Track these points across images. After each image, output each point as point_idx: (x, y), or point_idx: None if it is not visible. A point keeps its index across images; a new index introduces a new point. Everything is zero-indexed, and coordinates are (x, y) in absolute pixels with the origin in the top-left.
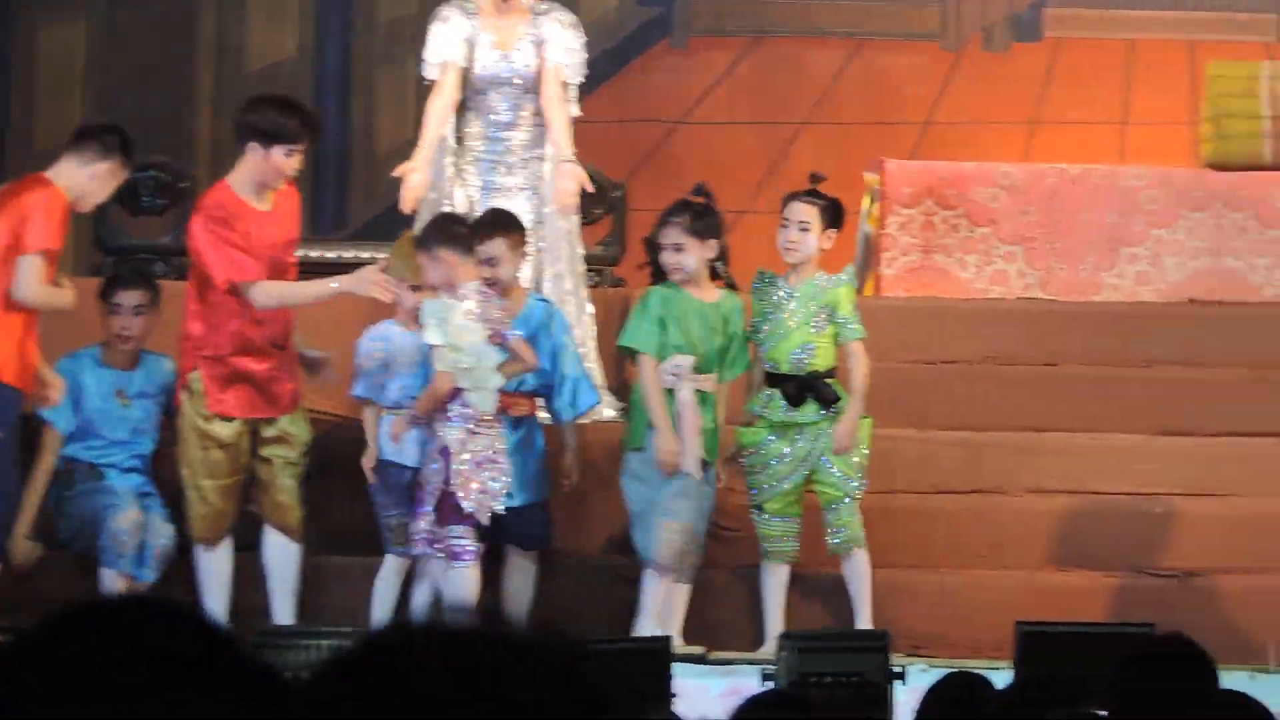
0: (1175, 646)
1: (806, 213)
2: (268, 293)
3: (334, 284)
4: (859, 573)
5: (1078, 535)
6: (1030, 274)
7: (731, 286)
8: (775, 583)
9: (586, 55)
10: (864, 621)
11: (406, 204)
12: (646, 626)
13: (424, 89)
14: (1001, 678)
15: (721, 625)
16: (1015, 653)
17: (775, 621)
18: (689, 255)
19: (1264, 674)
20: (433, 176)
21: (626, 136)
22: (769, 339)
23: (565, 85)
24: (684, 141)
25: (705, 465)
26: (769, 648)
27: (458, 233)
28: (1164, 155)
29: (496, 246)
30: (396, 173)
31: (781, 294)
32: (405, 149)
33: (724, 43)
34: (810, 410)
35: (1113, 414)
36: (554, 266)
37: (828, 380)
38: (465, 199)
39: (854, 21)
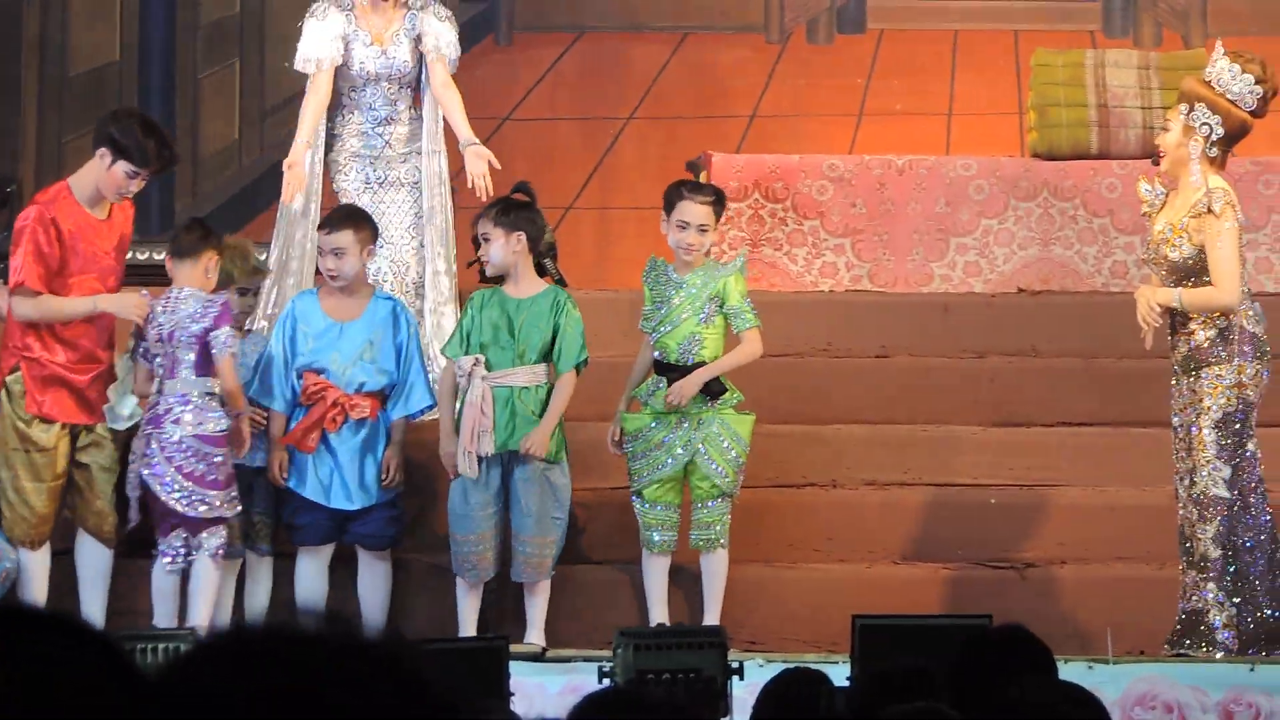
0: (1014, 638)
1: (705, 215)
2: (30, 304)
3: (97, 303)
4: (716, 571)
5: (914, 527)
6: (859, 266)
7: (560, 282)
8: (656, 574)
9: (460, 52)
10: (713, 618)
11: (287, 197)
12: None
13: (249, 90)
14: (839, 672)
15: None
16: (852, 647)
17: (659, 613)
18: (494, 246)
19: (1102, 664)
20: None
21: (452, 134)
22: (658, 328)
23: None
24: (511, 138)
25: (550, 461)
26: None
27: (176, 236)
28: (991, 145)
29: (343, 239)
30: (286, 165)
31: (671, 284)
32: (231, 151)
33: (548, 38)
34: (695, 401)
35: (946, 405)
36: (433, 264)
37: (720, 379)
38: (344, 195)
39: (677, 15)
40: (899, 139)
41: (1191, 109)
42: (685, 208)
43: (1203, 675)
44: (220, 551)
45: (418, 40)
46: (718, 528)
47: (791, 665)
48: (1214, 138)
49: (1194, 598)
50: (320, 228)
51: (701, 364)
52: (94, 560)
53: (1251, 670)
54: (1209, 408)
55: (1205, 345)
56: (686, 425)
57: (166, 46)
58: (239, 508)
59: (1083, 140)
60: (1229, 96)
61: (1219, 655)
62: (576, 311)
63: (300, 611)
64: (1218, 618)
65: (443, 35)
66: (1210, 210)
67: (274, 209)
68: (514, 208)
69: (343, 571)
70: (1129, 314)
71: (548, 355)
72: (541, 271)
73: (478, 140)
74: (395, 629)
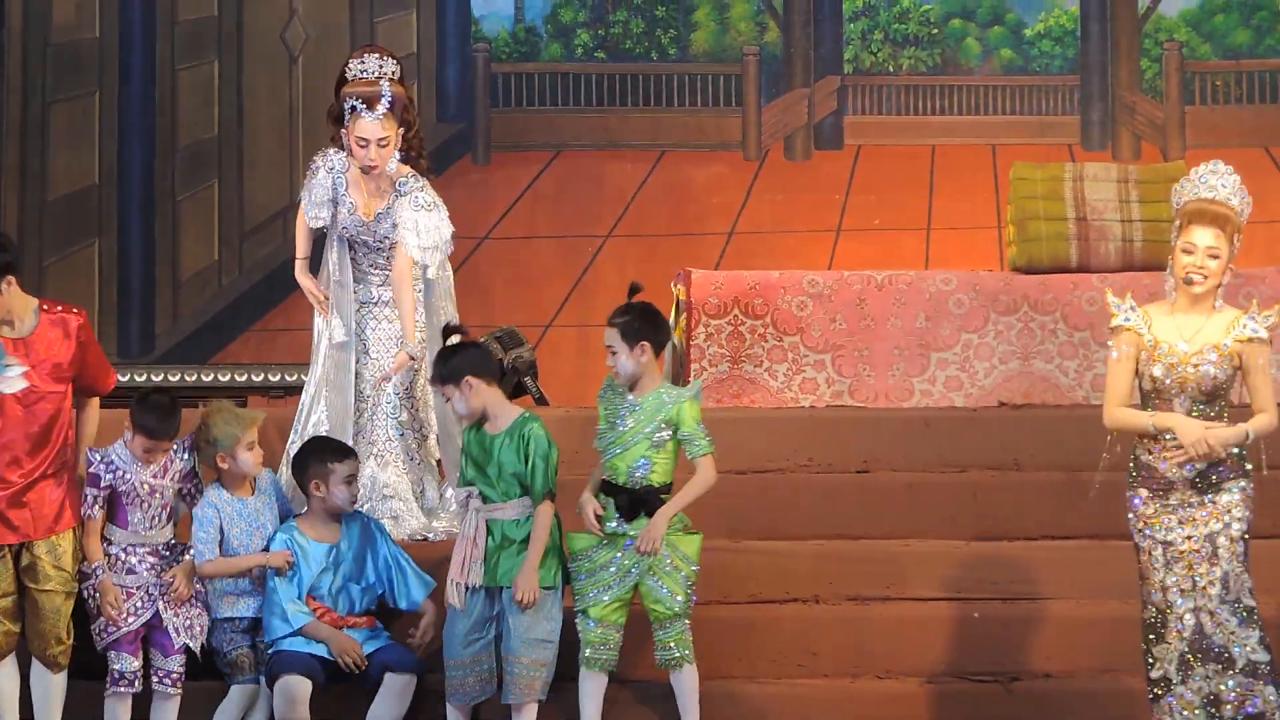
0: None
1: (610, 337)
2: None
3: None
4: (686, 686)
5: (897, 642)
6: (840, 381)
7: (541, 400)
8: (592, 689)
9: (449, 230)
10: None
11: (324, 311)
12: None
13: (227, 211)
14: None
15: None
16: None
17: None
18: (456, 399)
19: None
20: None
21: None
22: (609, 450)
23: (416, 264)
24: (489, 256)
25: (547, 588)
26: None
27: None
28: (970, 259)
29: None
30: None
31: (625, 405)
32: (210, 273)
33: (525, 157)
34: (642, 524)
35: (928, 519)
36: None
37: (663, 496)
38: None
39: (654, 133)
40: (878, 254)
41: (1238, 237)
42: (605, 332)
43: None
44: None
45: (396, 225)
46: (679, 647)
47: None
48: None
49: (1250, 702)
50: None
51: (650, 487)
52: (41, 684)
53: None
54: (1240, 518)
55: (1230, 462)
56: (630, 545)
57: (145, 168)
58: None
59: (1062, 253)
60: (1243, 218)
61: None
62: (543, 437)
63: None
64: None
65: (418, 223)
66: (1260, 337)
67: (253, 329)
68: (451, 353)
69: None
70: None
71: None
72: (521, 390)
73: (419, 345)
74: None
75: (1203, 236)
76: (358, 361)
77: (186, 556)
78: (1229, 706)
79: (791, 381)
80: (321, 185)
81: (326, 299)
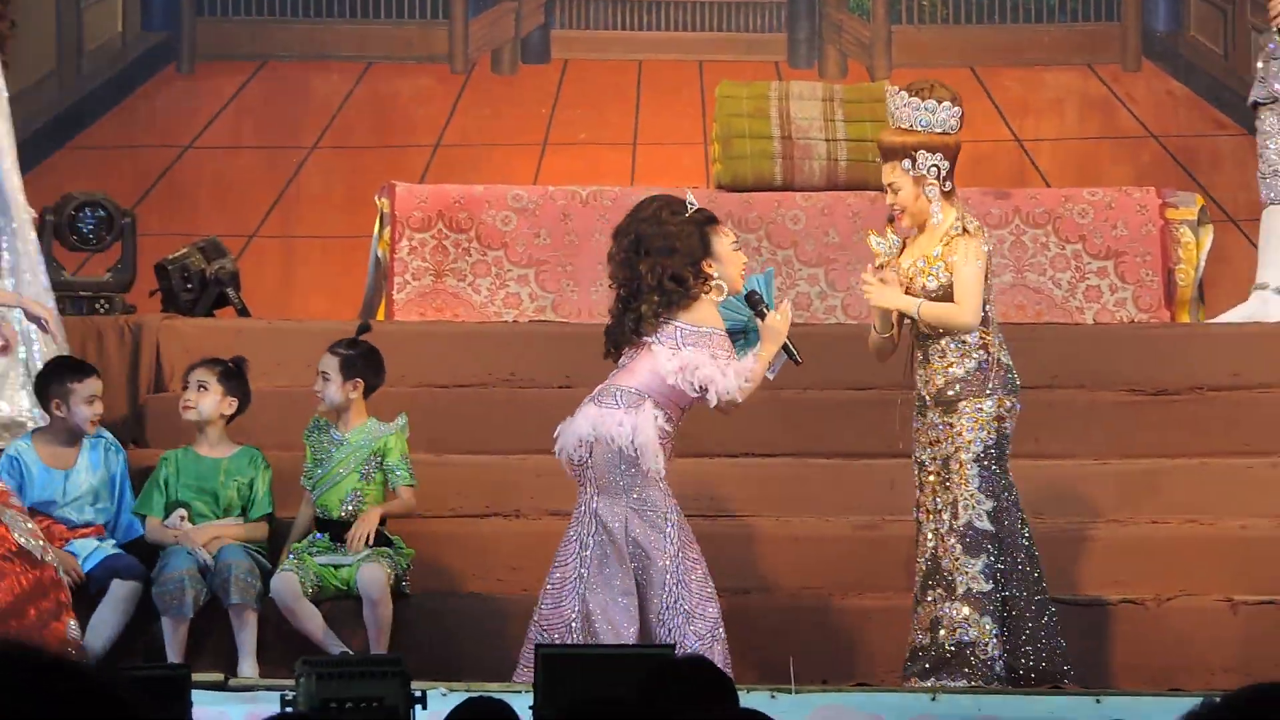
0: (697, 668)
1: (327, 363)
2: None
3: None
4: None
5: None
6: (543, 296)
7: (242, 311)
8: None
9: None
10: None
11: None
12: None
13: None
14: (522, 702)
15: None
16: (536, 677)
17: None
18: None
19: (785, 693)
20: None
21: (135, 162)
22: (319, 486)
23: None
24: (193, 166)
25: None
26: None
27: None
28: (676, 176)
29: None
30: None
31: (332, 442)
32: None
33: (231, 67)
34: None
35: None
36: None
37: (379, 529)
38: None
39: (361, 45)
40: (584, 169)
41: (913, 161)
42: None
43: (885, 703)
44: None
45: None
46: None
47: (475, 695)
48: (943, 174)
49: (963, 630)
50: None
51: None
52: None
53: (933, 699)
54: (970, 441)
55: (965, 378)
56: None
57: None
58: None
59: (767, 172)
60: (938, 130)
61: (994, 686)
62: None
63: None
64: (996, 649)
65: None
66: (965, 231)
67: None
68: (229, 373)
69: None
70: (821, 345)
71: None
72: (224, 301)
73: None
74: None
75: (884, 174)
76: None
77: None
78: (944, 632)
79: (495, 296)
80: None
81: None
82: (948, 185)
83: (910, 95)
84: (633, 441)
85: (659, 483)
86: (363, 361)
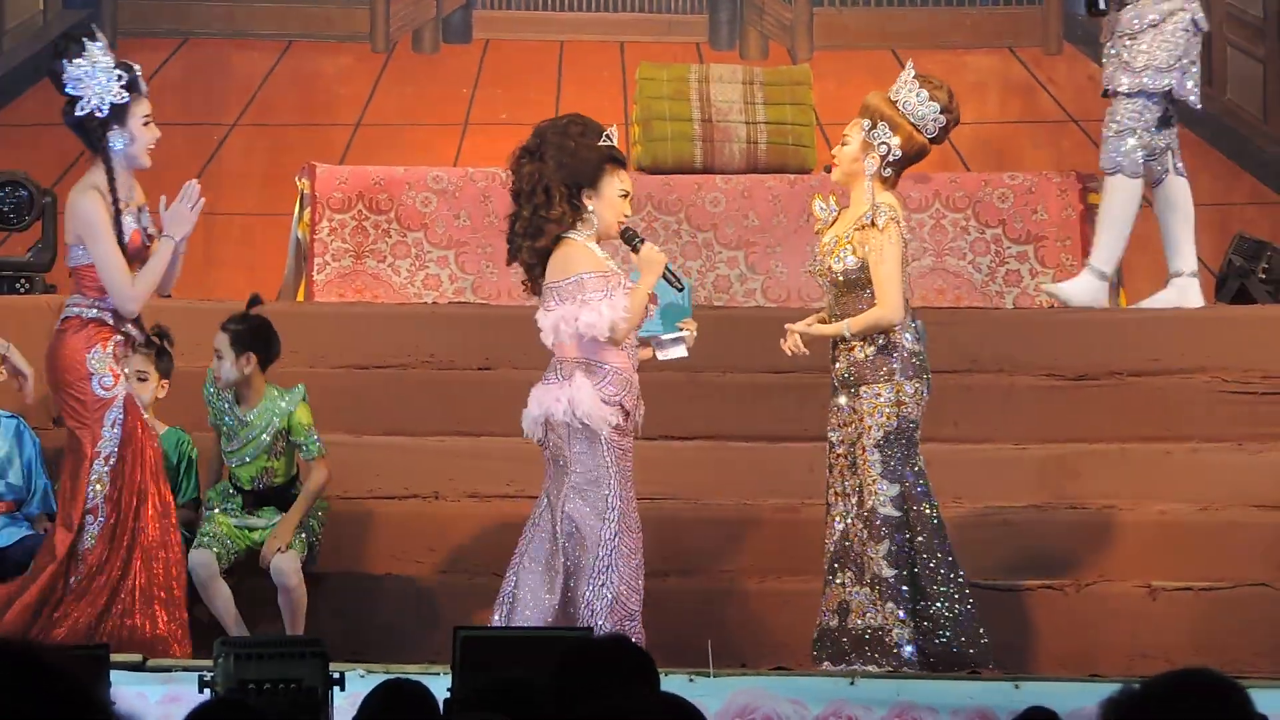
0: (616, 649)
1: (220, 341)
2: None
3: None
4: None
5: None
6: (463, 278)
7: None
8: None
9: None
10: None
11: None
12: None
13: None
14: (440, 684)
15: None
16: (453, 658)
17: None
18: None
19: (703, 677)
20: None
21: (56, 140)
22: (230, 459)
23: None
24: None
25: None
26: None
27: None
28: None
29: None
30: None
31: (236, 422)
32: None
33: (152, 44)
34: (268, 513)
35: None
36: None
37: (291, 491)
38: None
39: (281, 23)
40: (505, 150)
41: (875, 125)
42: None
43: (803, 688)
44: None
45: None
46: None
47: (393, 676)
48: (891, 158)
49: (870, 614)
50: None
51: (274, 487)
52: None
53: (852, 684)
54: (870, 427)
55: (864, 362)
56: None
57: None
58: None
59: (687, 154)
60: (912, 120)
61: (905, 670)
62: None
63: None
64: (902, 634)
65: None
66: (874, 224)
67: None
68: (161, 353)
69: None
70: (740, 328)
71: None
72: None
73: None
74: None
75: (848, 125)
76: None
77: None
78: (853, 616)
79: (415, 277)
80: None
81: None
82: (887, 172)
83: (914, 77)
84: (573, 413)
85: (617, 460)
86: (252, 335)
